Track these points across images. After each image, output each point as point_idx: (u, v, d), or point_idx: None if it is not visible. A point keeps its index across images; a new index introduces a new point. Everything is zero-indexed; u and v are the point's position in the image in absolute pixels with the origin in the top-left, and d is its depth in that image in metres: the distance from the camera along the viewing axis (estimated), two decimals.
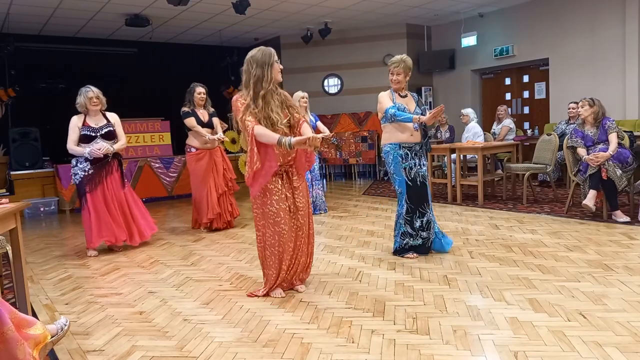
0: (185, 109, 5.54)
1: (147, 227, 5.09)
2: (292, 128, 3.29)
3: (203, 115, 5.58)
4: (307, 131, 3.18)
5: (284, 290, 3.37)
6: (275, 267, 3.30)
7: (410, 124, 4.01)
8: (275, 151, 3.11)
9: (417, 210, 4.07)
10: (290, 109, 3.28)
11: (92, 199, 4.75)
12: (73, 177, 4.80)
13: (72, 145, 4.72)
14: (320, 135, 3.00)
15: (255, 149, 3.08)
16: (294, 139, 2.97)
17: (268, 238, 3.27)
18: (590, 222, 5.06)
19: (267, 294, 3.35)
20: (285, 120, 3.22)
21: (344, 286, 3.49)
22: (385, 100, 4.08)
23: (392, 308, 3.03)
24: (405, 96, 4.16)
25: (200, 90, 5.56)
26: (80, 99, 4.76)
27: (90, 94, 4.74)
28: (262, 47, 3.24)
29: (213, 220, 5.64)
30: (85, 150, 4.67)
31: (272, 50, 3.22)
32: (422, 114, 4.08)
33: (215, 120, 5.70)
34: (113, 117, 4.95)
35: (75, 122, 4.75)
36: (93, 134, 4.74)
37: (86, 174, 4.73)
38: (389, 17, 9.69)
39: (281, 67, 3.25)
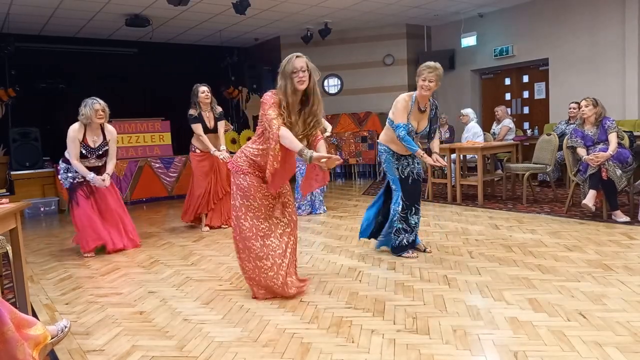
0: (192, 112, 5.53)
1: (134, 238, 5.04)
2: (309, 144, 3.25)
3: (209, 119, 5.58)
4: (321, 149, 3.16)
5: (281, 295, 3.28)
6: (251, 262, 3.24)
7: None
8: (295, 157, 3.11)
9: (412, 207, 4.09)
10: (315, 122, 3.20)
11: (84, 203, 4.72)
12: (63, 181, 4.77)
13: (76, 161, 4.63)
14: (337, 160, 2.95)
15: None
16: (315, 154, 2.91)
17: (244, 231, 3.21)
18: (590, 222, 5.06)
19: (256, 297, 3.31)
20: (302, 132, 3.17)
21: (344, 286, 3.50)
22: (401, 113, 3.95)
23: (392, 308, 3.03)
24: (424, 111, 4.04)
25: (203, 89, 5.54)
26: (85, 110, 4.58)
27: (97, 106, 4.58)
28: (292, 56, 3.10)
29: (212, 219, 5.71)
30: (89, 176, 4.63)
31: (294, 62, 3.05)
32: (430, 136, 4.10)
33: (220, 125, 5.67)
34: (111, 133, 4.81)
35: (76, 135, 4.61)
36: (89, 155, 4.69)
37: (74, 181, 4.72)
38: (389, 17, 9.69)
39: (301, 77, 3.04)
